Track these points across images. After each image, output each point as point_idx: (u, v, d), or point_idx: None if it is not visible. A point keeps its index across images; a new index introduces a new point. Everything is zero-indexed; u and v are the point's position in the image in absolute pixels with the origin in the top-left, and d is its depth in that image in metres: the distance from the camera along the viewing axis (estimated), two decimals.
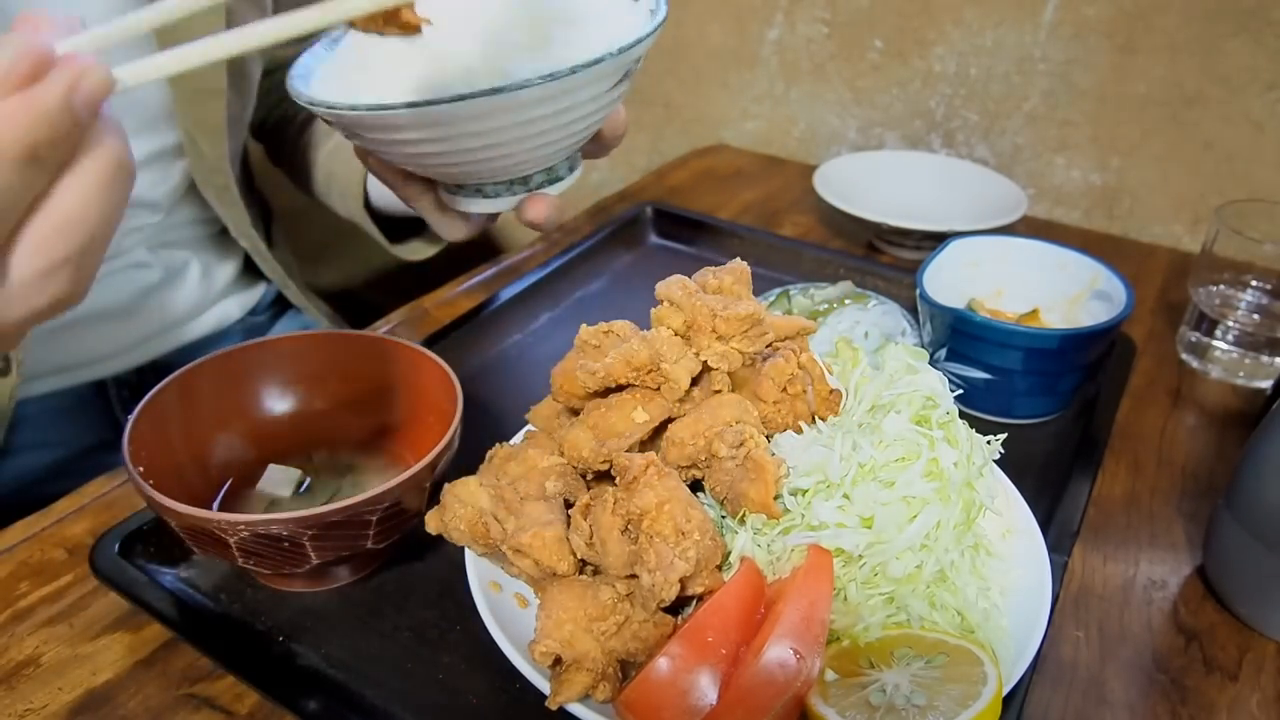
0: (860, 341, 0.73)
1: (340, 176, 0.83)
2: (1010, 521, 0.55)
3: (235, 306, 0.92)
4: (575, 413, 0.54)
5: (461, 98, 0.44)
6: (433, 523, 0.51)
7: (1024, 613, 0.49)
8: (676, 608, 0.48)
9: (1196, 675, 0.53)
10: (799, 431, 0.53)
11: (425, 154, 0.50)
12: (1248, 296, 0.79)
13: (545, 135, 0.49)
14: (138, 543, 0.58)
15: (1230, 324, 0.79)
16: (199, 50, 0.36)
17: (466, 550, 0.52)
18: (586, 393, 0.52)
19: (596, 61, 0.46)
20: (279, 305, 0.98)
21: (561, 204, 0.57)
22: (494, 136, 0.48)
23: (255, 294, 0.95)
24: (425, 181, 0.58)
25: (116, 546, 0.57)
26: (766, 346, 0.54)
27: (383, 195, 0.80)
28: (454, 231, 0.63)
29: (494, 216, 0.60)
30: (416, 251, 0.85)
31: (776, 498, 0.49)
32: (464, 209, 0.57)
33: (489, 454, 0.54)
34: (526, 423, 0.59)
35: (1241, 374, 0.79)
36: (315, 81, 0.52)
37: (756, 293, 0.58)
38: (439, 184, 0.57)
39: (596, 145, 0.61)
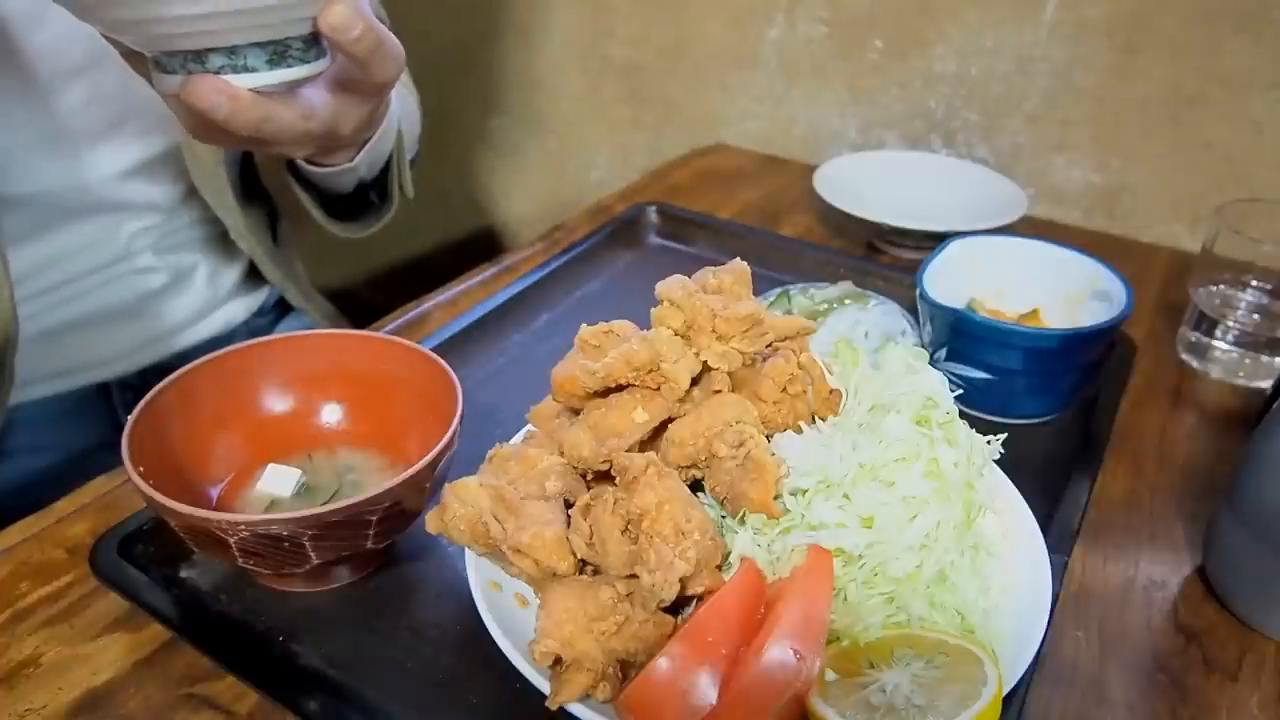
0: (860, 341, 0.73)
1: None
2: (1010, 522, 0.55)
3: (240, 309, 0.92)
4: (575, 413, 0.54)
5: None
6: (433, 523, 0.50)
7: (1024, 613, 0.49)
8: (676, 608, 0.48)
9: (1196, 675, 0.53)
10: (799, 431, 0.53)
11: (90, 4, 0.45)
12: (1248, 296, 0.79)
13: None
14: (138, 543, 0.58)
15: (1230, 324, 0.79)
16: None
17: (466, 550, 0.52)
18: (586, 393, 0.52)
19: None
20: (281, 307, 0.98)
21: (258, 106, 0.49)
22: None
23: (260, 296, 0.95)
24: (140, 56, 0.52)
25: (116, 546, 0.57)
26: (766, 346, 0.54)
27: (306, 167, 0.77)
28: (191, 126, 0.56)
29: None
30: (349, 231, 0.85)
31: (776, 498, 0.49)
32: (156, 87, 0.50)
33: (489, 454, 0.54)
34: (526, 423, 0.59)
35: (1241, 374, 0.79)
36: None
37: (756, 293, 0.58)
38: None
39: (349, 70, 0.54)
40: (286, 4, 0.47)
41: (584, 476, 0.53)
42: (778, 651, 0.43)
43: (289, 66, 0.49)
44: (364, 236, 0.88)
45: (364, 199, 0.86)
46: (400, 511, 0.52)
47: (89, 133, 0.74)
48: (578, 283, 0.92)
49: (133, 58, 0.53)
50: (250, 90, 0.49)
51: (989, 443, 0.53)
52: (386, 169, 0.81)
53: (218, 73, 0.48)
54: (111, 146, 0.76)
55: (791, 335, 0.55)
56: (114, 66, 0.72)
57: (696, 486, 0.53)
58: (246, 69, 0.48)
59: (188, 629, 0.53)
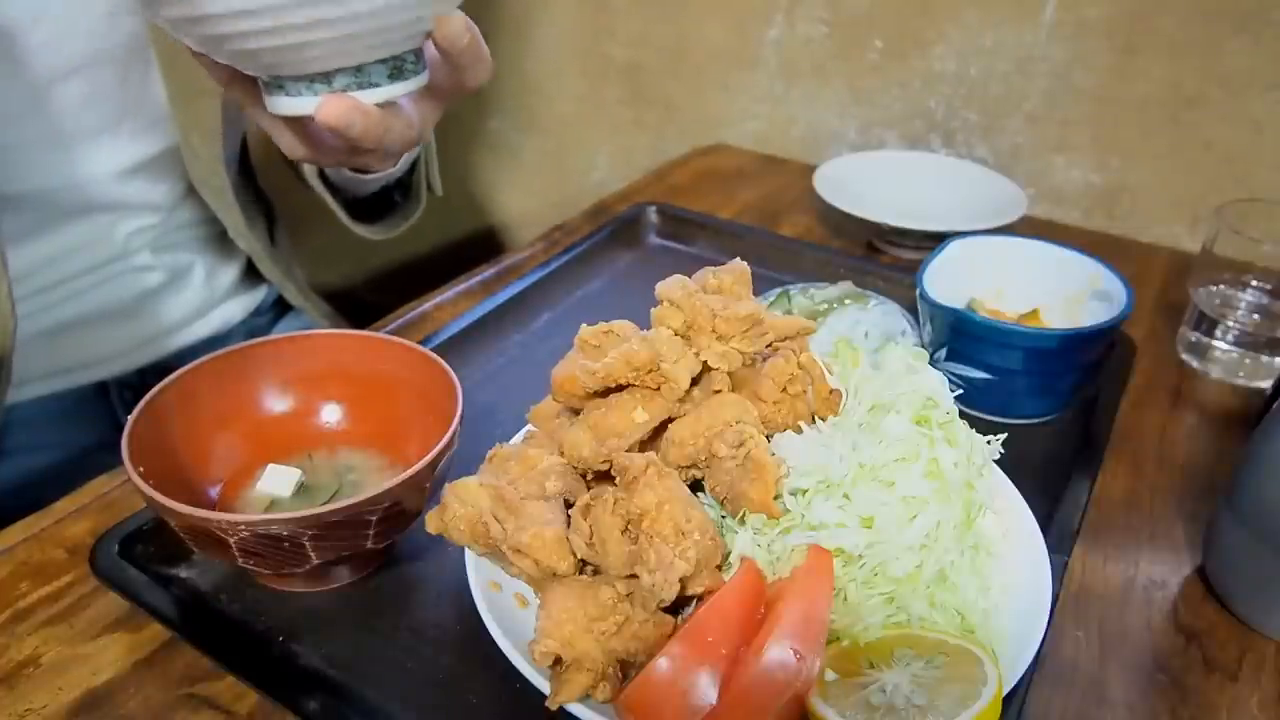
0: (860, 341, 0.73)
1: None
2: (1010, 522, 0.55)
3: (238, 308, 0.92)
4: (575, 413, 0.54)
5: None
6: (433, 523, 0.51)
7: (1024, 613, 0.49)
8: (676, 608, 0.48)
9: (1196, 675, 0.53)
10: (799, 431, 0.53)
11: (197, 32, 0.46)
12: (1248, 296, 0.79)
13: (324, 15, 0.45)
14: (138, 543, 0.58)
15: (1230, 324, 0.79)
16: None
17: (466, 550, 0.52)
18: (586, 393, 0.52)
19: None
20: (280, 306, 0.98)
21: (383, 119, 0.52)
22: (260, 20, 0.44)
23: (258, 295, 0.95)
24: (248, 83, 0.54)
25: (116, 546, 0.57)
26: (766, 346, 0.54)
27: (338, 173, 0.79)
28: (289, 145, 0.59)
29: (340, 136, 0.53)
30: (375, 233, 0.85)
31: (776, 498, 0.49)
32: (272, 110, 0.53)
33: (489, 454, 0.54)
34: (526, 423, 0.59)
35: (1241, 374, 0.79)
36: None
37: (756, 293, 0.58)
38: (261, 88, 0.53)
39: (448, 71, 0.56)
40: (411, 21, 0.49)
41: (584, 476, 0.53)
42: (778, 651, 0.43)
43: (405, 79, 0.52)
44: (389, 237, 0.88)
45: (385, 201, 0.86)
46: (400, 511, 0.52)
47: (86, 131, 0.74)
48: (578, 283, 0.92)
49: (237, 84, 0.55)
50: (379, 105, 0.52)
51: (989, 443, 0.53)
52: (412, 169, 0.82)
53: (344, 91, 0.50)
54: (109, 145, 0.76)
55: (791, 335, 0.55)
56: (112, 65, 0.73)
57: (696, 486, 0.53)
58: (371, 84, 0.51)
59: (188, 629, 0.53)
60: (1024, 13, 1.05)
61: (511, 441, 0.57)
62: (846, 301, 0.77)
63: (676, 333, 0.53)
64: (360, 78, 0.50)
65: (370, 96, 0.51)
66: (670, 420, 0.53)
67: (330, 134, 0.52)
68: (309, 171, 0.80)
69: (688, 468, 0.52)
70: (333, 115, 0.50)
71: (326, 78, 0.50)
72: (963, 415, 0.52)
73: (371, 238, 0.86)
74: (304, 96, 0.50)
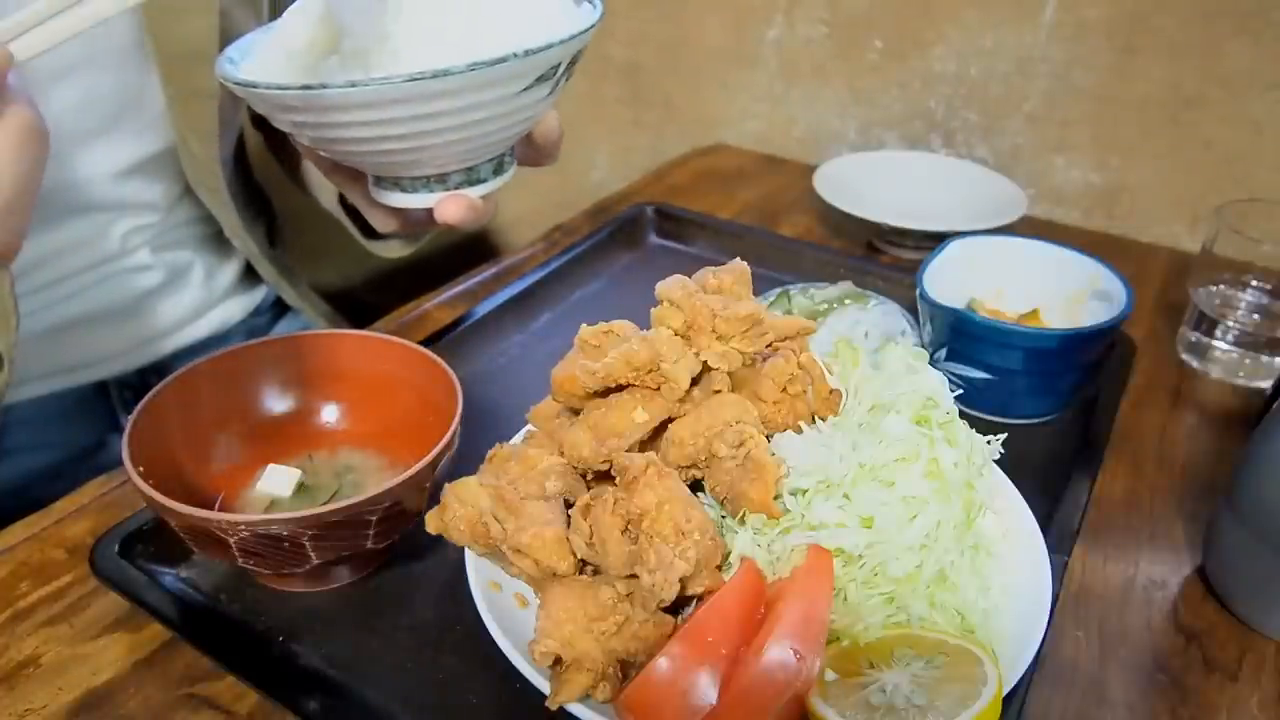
0: (860, 341, 0.73)
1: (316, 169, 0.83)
2: (1010, 522, 0.55)
3: (238, 308, 0.92)
4: (575, 413, 0.54)
5: (353, 85, 0.44)
6: (433, 523, 0.51)
7: (1024, 613, 0.49)
8: (676, 608, 0.48)
9: (1196, 675, 0.53)
10: (799, 431, 0.53)
11: (330, 140, 0.49)
12: (1248, 296, 0.79)
13: (452, 133, 0.48)
14: (138, 543, 0.58)
15: (1230, 324, 0.79)
16: (90, 12, 0.40)
17: (466, 550, 0.52)
18: (586, 393, 0.52)
19: (498, 61, 0.45)
20: (280, 306, 0.98)
21: (484, 207, 0.56)
22: (393, 129, 0.47)
23: (257, 295, 0.95)
24: (352, 170, 0.57)
25: (116, 546, 0.57)
26: (766, 346, 0.54)
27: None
28: (383, 223, 0.63)
29: (429, 215, 0.57)
30: (393, 250, 0.85)
31: (776, 498, 0.49)
32: (384, 201, 0.56)
33: (489, 454, 0.54)
34: (526, 423, 0.59)
35: (1241, 374, 0.79)
36: (246, 63, 0.52)
37: (756, 293, 0.58)
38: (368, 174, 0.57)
39: (531, 151, 0.60)
40: (523, 131, 0.54)
41: (584, 476, 0.53)
42: (778, 651, 0.43)
43: (505, 172, 0.57)
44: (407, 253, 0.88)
45: None
46: (400, 511, 0.52)
47: (83, 132, 0.74)
48: (578, 283, 0.92)
49: (337, 173, 0.60)
50: (481, 197, 0.56)
51: (989, 443, 0.53)
52: None
53: (456, 188, 0.54)
54: (106, 146, 0.76)
55: (791, 335, 0.55)
56: (109, 66, 0.73)
57: (696, 486, 0.53)
58: (480, 180, 0.55)
59: (188, 629, 0.53)
60: (1024, 13, 1.05)
61: (511, 441, 0.57)
62: (846, 301, 0.77)
63: (676, 333, 0.53)
64: (471, 175, 0.54)
65: (478, 191, 0.55)
66: (670, 420, 0.53)
67: (438, 222, 0.56)
68: (329, 200, 0.81)
69: (688, 468, 0.52)
70: (452, 215, 0.54)
71: (442, 179, 0.54)
72: (963, 415, 0.52)
73: (387, 255, 0.85)
74: (420, 194, 0.54)
